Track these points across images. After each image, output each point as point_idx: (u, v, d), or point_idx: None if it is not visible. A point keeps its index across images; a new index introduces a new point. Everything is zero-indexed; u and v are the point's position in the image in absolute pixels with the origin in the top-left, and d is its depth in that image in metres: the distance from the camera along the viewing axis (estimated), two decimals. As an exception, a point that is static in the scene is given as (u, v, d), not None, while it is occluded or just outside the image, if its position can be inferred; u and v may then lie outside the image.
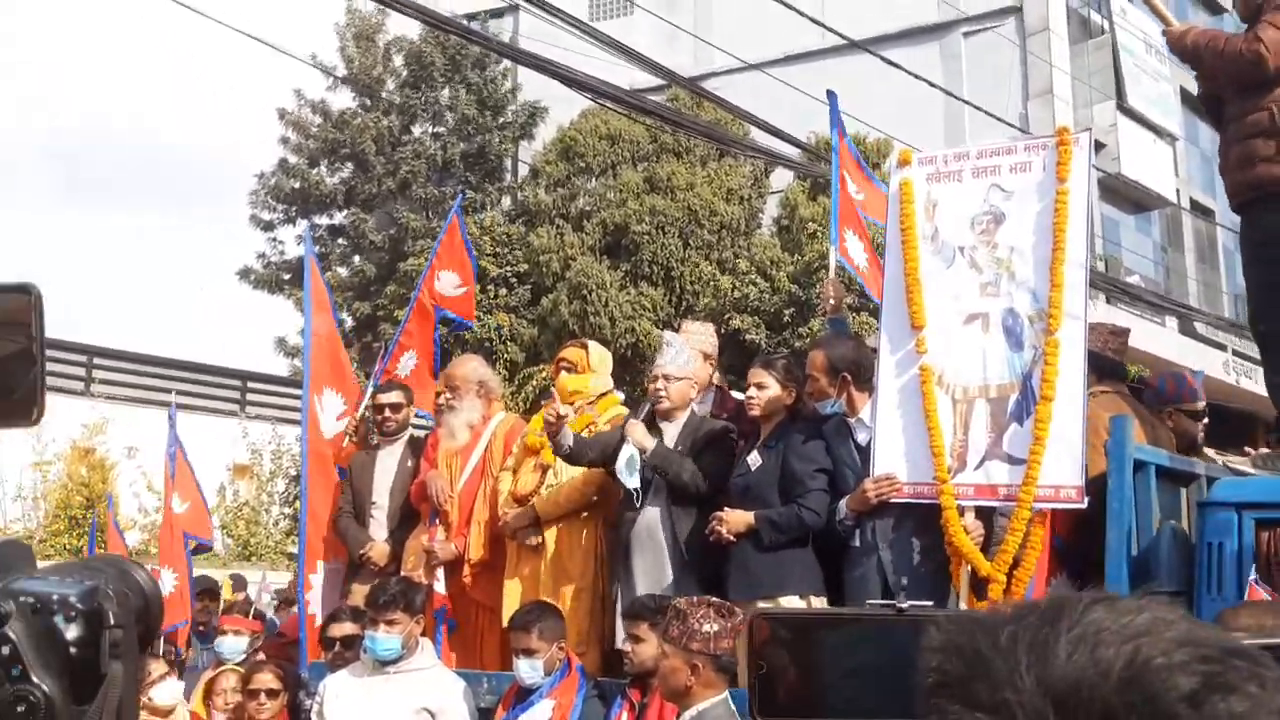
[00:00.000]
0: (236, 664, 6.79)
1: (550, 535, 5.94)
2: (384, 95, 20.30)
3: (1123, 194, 20.26)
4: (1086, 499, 4.46)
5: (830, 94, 7.14)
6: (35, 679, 1.03)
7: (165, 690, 5.88)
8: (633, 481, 5.46)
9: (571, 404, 6.14)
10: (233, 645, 6.99)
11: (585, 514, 5.96)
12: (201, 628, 8.54)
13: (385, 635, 5.15)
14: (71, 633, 1.06)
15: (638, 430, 5.51)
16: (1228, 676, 0.74)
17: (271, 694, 6.00)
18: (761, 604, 4.68)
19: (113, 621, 1.07)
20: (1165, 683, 0.73)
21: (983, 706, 0.74)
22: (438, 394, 6.88)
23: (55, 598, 1.06)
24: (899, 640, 1.32)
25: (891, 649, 1.32)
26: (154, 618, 1.26)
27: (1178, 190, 20.95)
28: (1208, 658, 0.75)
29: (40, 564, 1.20)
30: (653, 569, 5.42)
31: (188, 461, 8.44)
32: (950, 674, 0.77)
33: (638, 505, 5.54)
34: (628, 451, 5.46)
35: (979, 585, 4.54)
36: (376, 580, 6.31)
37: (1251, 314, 5.19)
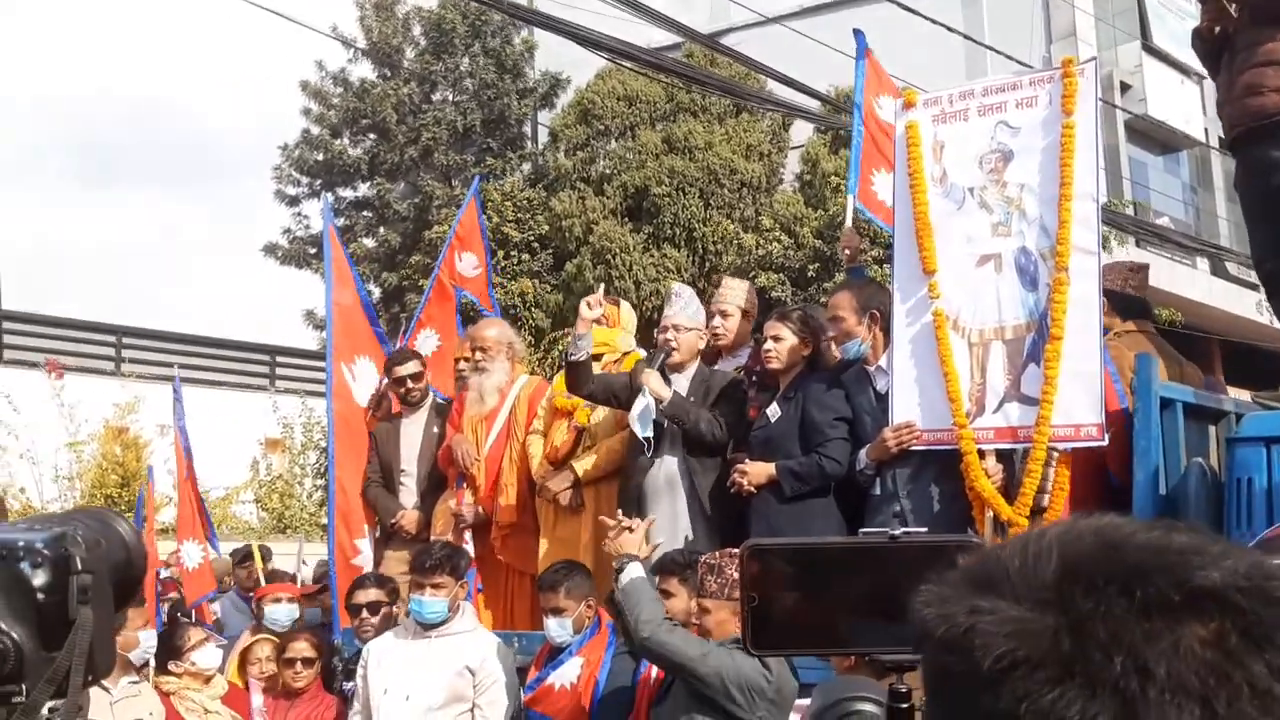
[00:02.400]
0: (281, 631, 6.80)
1: (586, 494, 5.96)
2: (404, 65, 20.25)
3: (1150, 135, 19.96)
4: (1107, 435, 4.41)
5: (857, 31, 7.01)
6: (4, 626, 1.03)
7: (206, 655, 5.92)
8: (645, 431, 5.46)
9: (598, 357, 6.14)
10: (287, 612, 6.98)
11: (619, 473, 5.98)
12: (247, 592, 8.60)
13: (432, 598, 5.19)
14: (38, 579, 1.05)
15: (654, 379, 5.50)
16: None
17: (307, 662, 6.05)
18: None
19: (80, 567, 1.06)
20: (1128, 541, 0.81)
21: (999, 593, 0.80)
22: (461, 358, 6.89)
23: (21, 544, 1.05)
24: (892, 569, 1.29)
25: (885, 578, 1.29)
26: (137, 570, 1.26)
27: (1206, 129, 20.57)
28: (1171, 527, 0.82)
29: None
30: (669, 520, 5.41)
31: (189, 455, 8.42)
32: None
33: (647, 454, 5.53)
34: (642, 402, 5.45)
35: (1002, 529, 4.51)
36: (408, 547, 6.35)
37: (1258, 254, 5.02)
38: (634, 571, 4.33)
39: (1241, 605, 0.76)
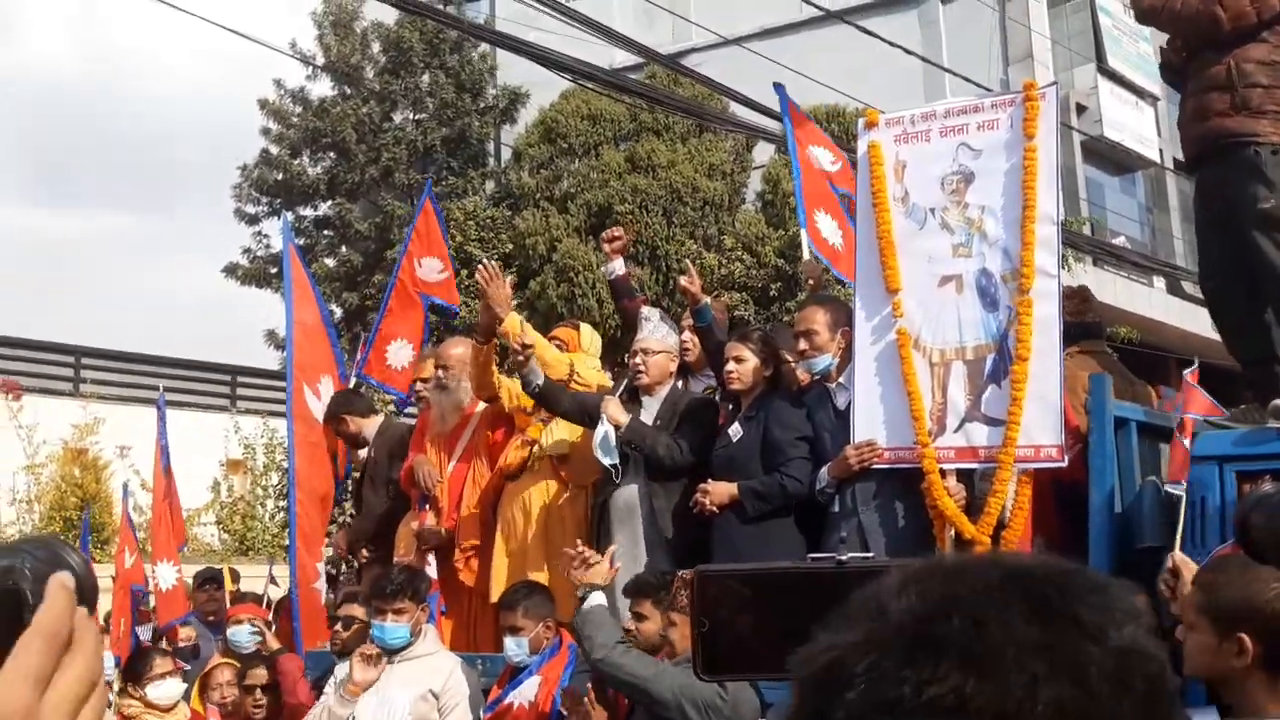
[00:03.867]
0: (244, 653, 6.73)
1: (538, 507, 5.94)
2: (364, 83, 20.21)
3: (1106, 156, 20.22)
4: (1067, 458, 4.47)
5: (777, 86, 7.14)
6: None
7: (162, 689, 5.84)
8: (609, 459, 5.47)
9: (565, 383, 6.14)
10: (248, 633, 6.92)
11: (574, 489, 5.95)
12: (211, 618, 8.51)
13: (394, 624, 5.18)
14: (-13, 615, 1.04)
15: (612, 405, 5.51)
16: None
17: (267, 689, 5.99)
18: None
19: (33, 601, 1.04)
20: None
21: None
22: (418, 379, 6.88)
23: (-33, 580, 1.04)
24: (840, 594, 1.31)
25: (833, 603, 1.31)
26: (87, 601, 1.25)
27: (1161, 150, 20.89)
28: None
29: None
30: (629, 546, 5.42)
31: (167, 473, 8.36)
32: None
33: (616, 481, 5.55)
34: (603, 429, 5.46)
35: (963, 548, 4.55)
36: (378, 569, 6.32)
37: (1204, 271, 5.15)
38: (595, 600, 4.37)
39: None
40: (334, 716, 5.14)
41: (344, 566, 8.80)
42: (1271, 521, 2.36)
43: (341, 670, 5.35)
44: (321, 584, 6.73)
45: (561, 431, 5.96)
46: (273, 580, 9.27)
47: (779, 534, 5.01)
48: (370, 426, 7.00)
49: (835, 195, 6.62)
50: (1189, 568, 3.72)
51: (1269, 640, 2.69)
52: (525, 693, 4.96)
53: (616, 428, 5.46)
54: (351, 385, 7.60)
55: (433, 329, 8.32)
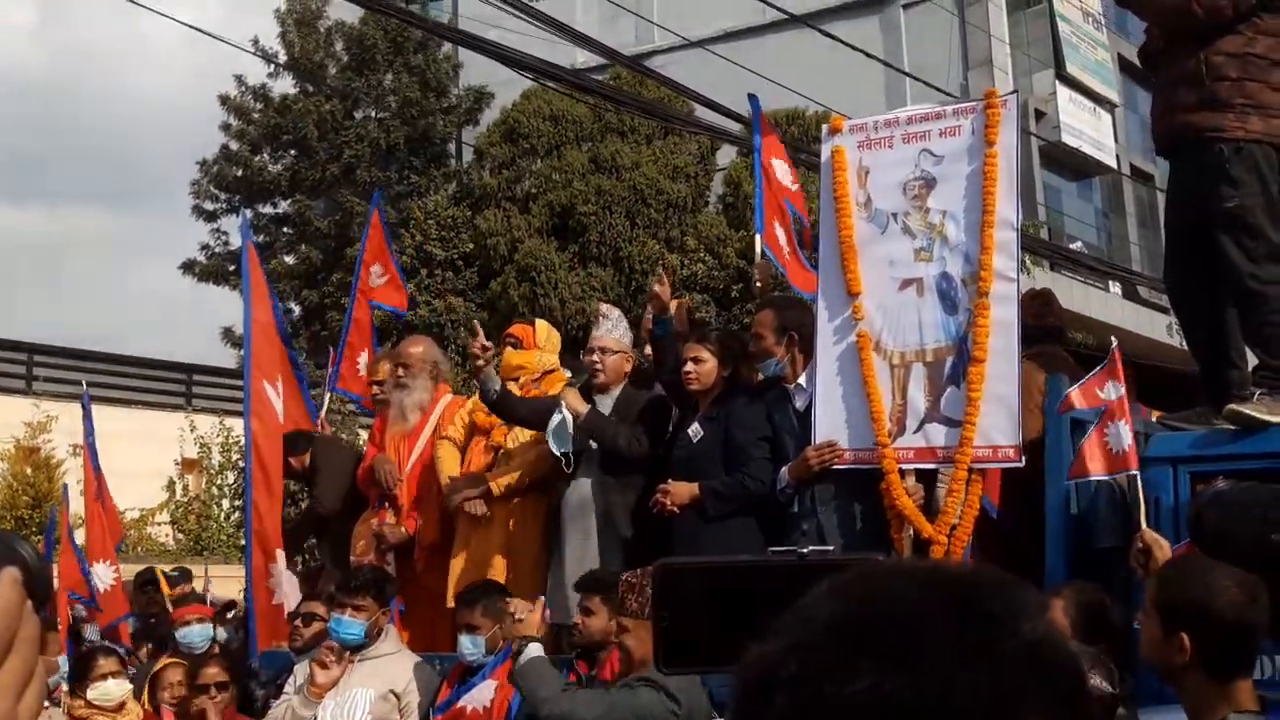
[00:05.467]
0: (197, 654, 6.65)
1: (500, 511, 5.91)
2: (326, 81, 20.11)
3: (1063, 161, 20.44)
4: (1024, 458, 4.50)
5: (752, 97, 7.22)
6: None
7: (100, 690, 5.73)
8: (562, 447, 5.47)
9: (516, 379, 6.12)
10: (200, 633, 6.82)
11: (535, 490, 5.94)
12: (152, 619, 8.40)
13: (351, 619, 5.17)
14: (-64, 608, 1.02)
15: (571, 395, 5.52)
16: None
17: (221, 687, 5.91)
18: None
19: (-21, 593, 1.03)
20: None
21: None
22: (374, 382, 6.86)
23: (-83, 572, 1.02)
24: (802, 587, 1.31)
25: (793, 596, 1.31)
26: (39, 596, 1.23)
27: (1118, 156, 21.17)
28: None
29: None
30: (581, 541, 5.42)
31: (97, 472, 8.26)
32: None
33: (567, 470, 5.55)
34: (557, 418, 5.46)
35: (921, 547, 4.58)
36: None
37: (1166, 267, 5.15)
38: (532, 651, 4.37)
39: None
40: (297, 717, 5.10)
41: (298, 565, 8.75)
42: (1224, 518, 2.38)
43: (302, 670, 5.31)
44: (276, 583, 6.65)
45: (526, 434, 5.96)
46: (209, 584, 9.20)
47: (738, 533, 5.02)
48: (307, 458, 6.99)
49: (790, 214, 6.73)
50: (1160, 546, 3.75)
51: (1209, 643, 2.73)
52: (480, 697, 4.92)
53: (576, 417, 5.46)
54: (327, 400, 7.61)
55: (394, 326, 8.36)
